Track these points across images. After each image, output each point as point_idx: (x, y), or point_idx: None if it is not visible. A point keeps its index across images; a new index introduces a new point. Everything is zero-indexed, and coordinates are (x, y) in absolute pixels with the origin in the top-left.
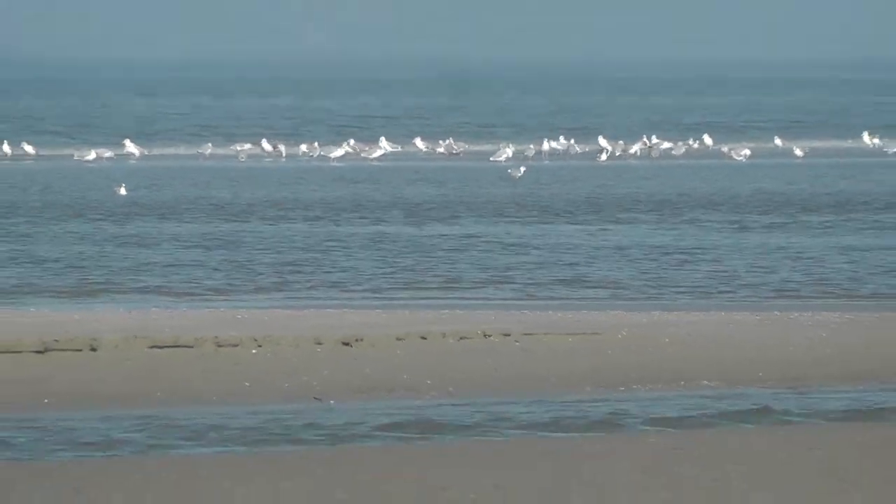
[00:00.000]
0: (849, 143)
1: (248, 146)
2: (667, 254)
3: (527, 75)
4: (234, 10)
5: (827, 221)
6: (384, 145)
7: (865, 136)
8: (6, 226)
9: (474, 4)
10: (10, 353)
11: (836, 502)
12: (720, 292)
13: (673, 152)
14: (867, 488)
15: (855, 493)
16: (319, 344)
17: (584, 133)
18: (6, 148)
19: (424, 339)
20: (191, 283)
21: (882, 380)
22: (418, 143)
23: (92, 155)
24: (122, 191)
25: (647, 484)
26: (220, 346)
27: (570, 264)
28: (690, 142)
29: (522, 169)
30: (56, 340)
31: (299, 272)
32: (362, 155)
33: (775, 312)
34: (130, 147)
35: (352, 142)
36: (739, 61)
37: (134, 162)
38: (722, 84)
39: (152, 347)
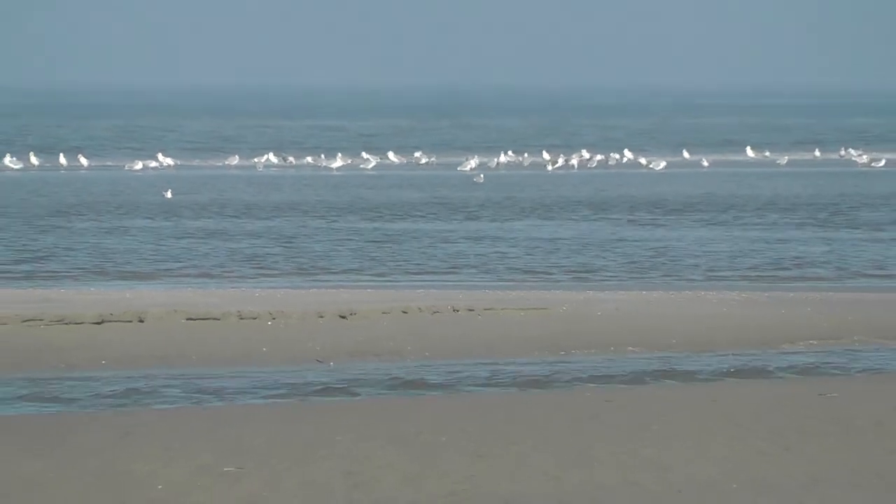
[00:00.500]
0: (741, 157)
1: (265, 158)
2: (597, 244)
3: (512, 101)
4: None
5: (724, 218)
6: (367, 156)
7: (749, 150)
8: (77, 222)
9: (475, 39)
10: (74, 324)
11: (733, 442)
12: (640, 275)
13: (609, 163)
14: (757, 430)
15: (748, 435)
16: (321, 317)
17: (543, 148)
18: (62, 160)
19: (405, 313)
20: (221, 267)
21: (770, 345)
22: (391, 155)
23: (139, 165)
24: (168, 194)
25: (583, 427)
26: (241, 318)
27: (523, 253)
28: (617, 155)
29: (482, 176)
30: (111, 314)
31: (304, 258)
32: (360, 166)
33: (686, 292)
34: (165, 159)
35: (339, 155)
36: (701, 89)
37: (173, 171)
38: (676, 107)
39: (188, 319)
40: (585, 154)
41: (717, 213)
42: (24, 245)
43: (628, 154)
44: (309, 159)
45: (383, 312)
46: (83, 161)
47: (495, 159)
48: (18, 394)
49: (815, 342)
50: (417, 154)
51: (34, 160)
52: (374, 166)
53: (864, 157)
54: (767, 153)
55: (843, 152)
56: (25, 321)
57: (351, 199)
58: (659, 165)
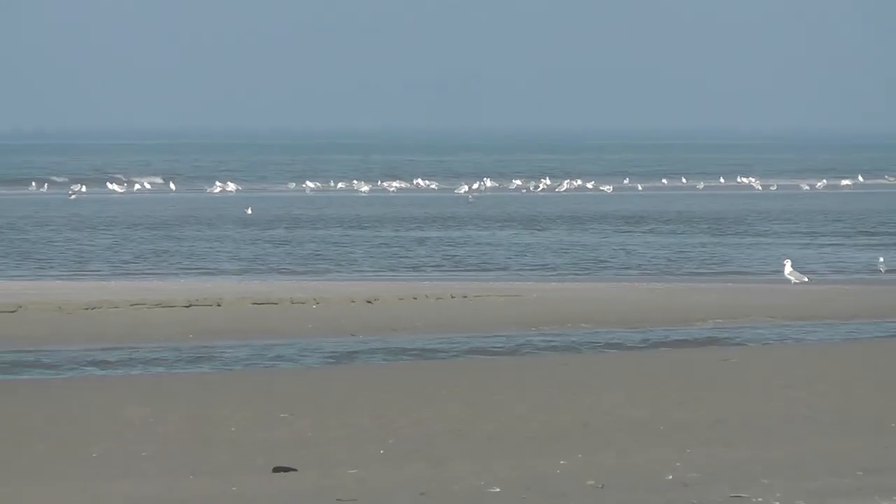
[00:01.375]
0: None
1: (314, 184)
2: (556, 248)
3: (508, 141)
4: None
5: (641, 229)
6: (363, 184)
7: (683, 179)
8: (179, 231)
9: (491, 85)
10: (166, 307)
11: (657, 394)
12: (589, 272)
13: (563, 187)
14: (675, 385)
15: (668, 389)
16: (352, 302)
17: (526, 176)
18: (147, 184)
19: (415, 298)
20: (279, 263)
21: (686, 323)
22: (387, 183)
23: (217, 189)
24: (249, 210)
25: (544, 384)
26: (293, 303)
27: (504, 254)
28: (571, 182)
29: (471, 197)
30: (196, 299)
31: (340, 259)
32: (385, 187)
33: (624, 283)
34: (230, 185)
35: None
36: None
37: (247, 193)
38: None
39: (253, 304)
40: (548, 181)
41: (646, 224)
42: (134, 248)
43: (578, 181)
44: (341, 185)
45: (399, 298)
46: (172, 185)
47: (480, 183)
48: (129, 357)
49: (720, 320)
50: (416, 180)
51: (146, 185)
52: (394, 189)
53: (759, 182)
54: (683, 179)
55: (739, 179)
56: (133, 305)
57: (376, 215)
58: (607, 188)
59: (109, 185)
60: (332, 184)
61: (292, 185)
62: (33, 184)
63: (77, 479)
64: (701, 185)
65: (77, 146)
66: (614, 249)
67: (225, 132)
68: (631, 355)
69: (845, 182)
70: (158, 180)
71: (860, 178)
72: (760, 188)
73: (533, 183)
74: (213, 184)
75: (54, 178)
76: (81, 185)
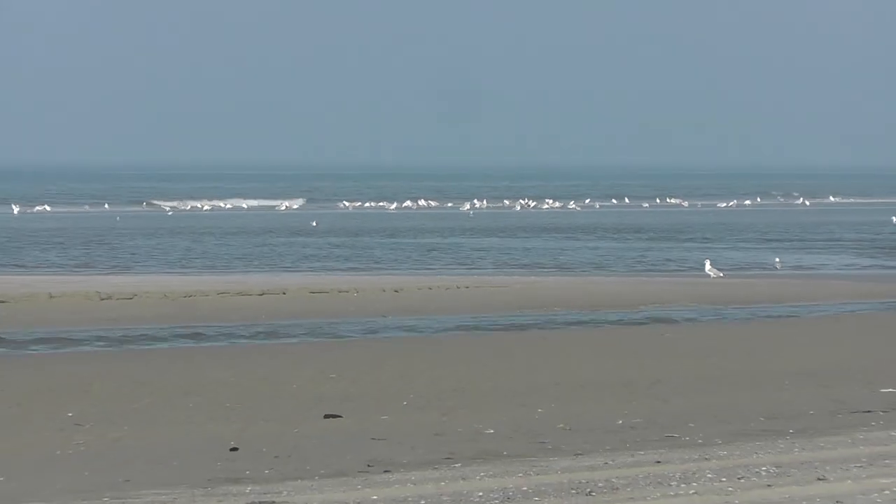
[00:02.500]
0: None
1: (359, 203)
2: (539, 251)
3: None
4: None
5: (596, 236)
6: (411, 202)
7: (626, 199)
8: (263, 240)
9: (502, 123)
10: (243, 295)
11: (608, 360)
12: (565, 268)
13: (545, 206)
14: (623, 353)
15: (617, 356)
16: (383, 291)
17: (511, 197)
18: (227, 205)
19: (430, 289)
20: (331, 264)
21: (632, 307)
22: (408, 202)
23: (283, 206)
24: (314, 223)
25: (526, 352)
26: (339, 292)
27: (495, 255)
28: (552, 202)
29: (472, 213)
30: (267, 290)
31: (371, 260)
32: (409, 205)
33: (588, 276)
34: (295, 202)
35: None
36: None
37: (310, 210)
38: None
39: (310, 293)
40: (525, 201)
41: (602, 232)
42: (217, 251)
43: (549, 202)
44: (370, 203)
45: (418, 288)
46: (244, 204)
47: (479, 203)
48: (216, 332)
49: (657, 305)
50: (420, 200)
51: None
52: (416, 207)
53: (686, 202)
54: (626, 199)
55: (668, 199)
56: (220, 293)
57: (401, 226)
58: (580, 206)
59: (198, 204)
60: (370, 204)
61: (344, 204)
62: (144, 203)
63: (178, 424)
64: (646, 205)
65: (174, 175)
66: (578, 251)
67: (282, 164)
68: (591, 331)
69: (747, 202)
70: (241, 203)
71: (758, 199)
72: (686, 205)
73: (518, 202)
74: (281, 203)
75: (154, 201)
76: (180, 203)
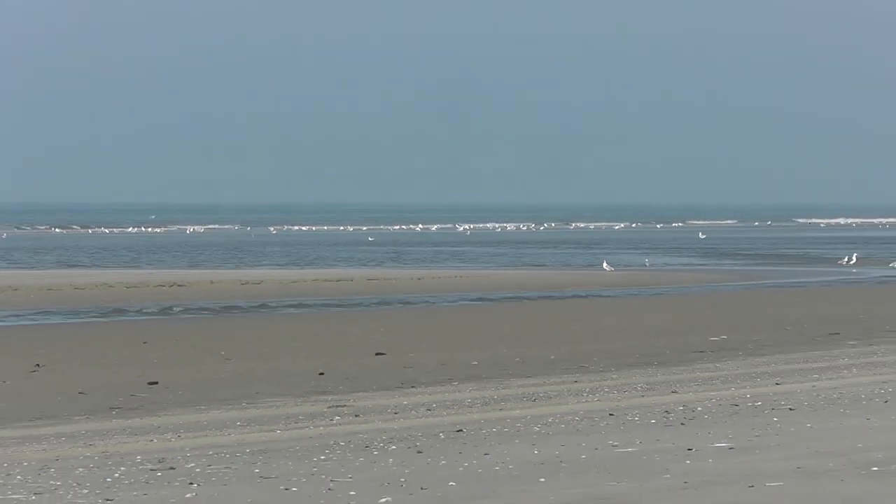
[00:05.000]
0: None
1: (398, 227)
2: (510, 255)
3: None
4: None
5: (544, 246)
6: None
7: (582, 224)
8: (326, 249)
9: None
10: (322, 281)
11: (550, 324)
12: (518, 265)
13: (532, 227)
14: (558, 319)
15: (555, 322)
16: (411, 279)
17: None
18: (294, 229)
19: (440, 278)
20: (380, 263)
21: (560, 288)
22: (418, 227)
23: (342, 228)
24: (371, 238)
25: (495, 316)
26: (385, 280)
27: (483, 258)
28: (535, 225)
29: (468, 232)
30: (339, 278)
31: (407, 261)
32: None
33: (539, 271)
34: (348, 227)
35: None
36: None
37: (363, 230)
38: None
39: (368, 279)
40: (509, 225)
41: (550, 245)
42: (306, 255)
43: (533, 225)
44: (398, 227)
45: (433, 278)
46: (303, 228)
47: (473, 225)
48: (306, 303)
49: (575, 287)
50: (419, 225)
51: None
52: (434, 229)
53: (620, 225)
54: (593, 224)
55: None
56: (313, 280)
57: (421, 240)
58: (542, 227)
59: (294, 227)
60: (399, 227)
61: (382, 226)
62: (249, 227)
63: (287, 358)
64: (592, 226)
65: (285, 206)
66: (529, 255)
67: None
68: (531, 303)
69: (634, 225)
70: (312, 228)
71: (657, 225)
72: (593, 227)
73: (501, 226)
74: (344, 226)
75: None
76: (286, 226)
